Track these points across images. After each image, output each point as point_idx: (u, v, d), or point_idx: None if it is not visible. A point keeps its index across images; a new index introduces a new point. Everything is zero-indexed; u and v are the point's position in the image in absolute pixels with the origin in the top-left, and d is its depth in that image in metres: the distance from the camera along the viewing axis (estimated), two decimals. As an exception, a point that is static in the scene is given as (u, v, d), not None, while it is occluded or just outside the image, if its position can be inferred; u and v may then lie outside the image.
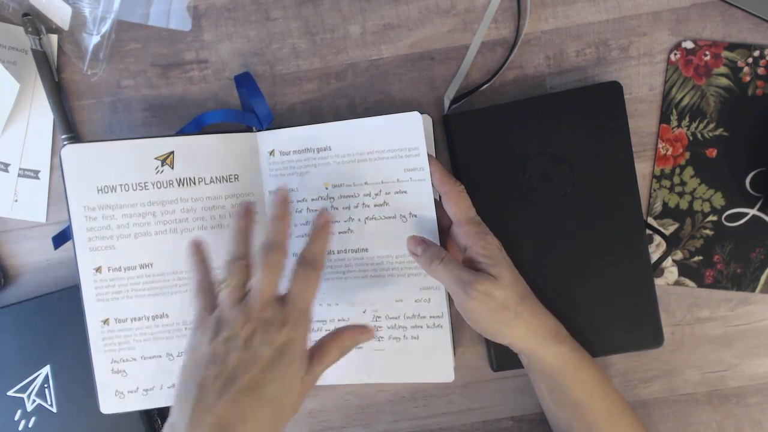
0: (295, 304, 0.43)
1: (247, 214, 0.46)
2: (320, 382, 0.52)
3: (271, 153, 0.52)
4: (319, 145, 0.51)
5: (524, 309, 0.47)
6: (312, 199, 0.51)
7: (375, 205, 0.51)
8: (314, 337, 0.49)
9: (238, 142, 0.52)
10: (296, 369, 0.42)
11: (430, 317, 0.51)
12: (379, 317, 0.52)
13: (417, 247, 0.49)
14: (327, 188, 0.51)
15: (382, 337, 0.52)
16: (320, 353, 0.45)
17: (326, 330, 0.52)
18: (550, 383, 0.48)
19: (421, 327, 0.51)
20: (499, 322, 0.47)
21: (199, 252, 0.47)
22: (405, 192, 0.50)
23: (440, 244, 0.50)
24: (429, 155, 0.49)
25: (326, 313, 0.52)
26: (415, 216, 0.50)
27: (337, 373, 0.52)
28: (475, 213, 0.49)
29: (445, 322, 0.51)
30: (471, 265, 0.47)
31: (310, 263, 0.44)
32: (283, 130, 0.52)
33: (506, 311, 0.46)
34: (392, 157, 0.50)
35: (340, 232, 0.51)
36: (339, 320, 0.52)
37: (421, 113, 0.50)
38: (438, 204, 0.50)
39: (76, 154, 0.49)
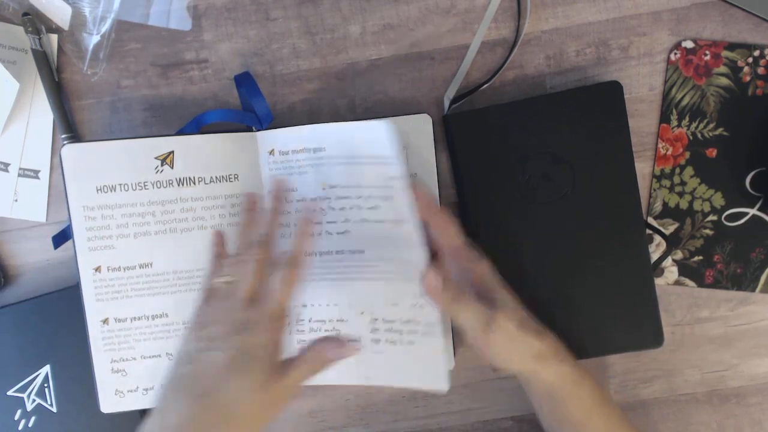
0: (263, 306, 0.43)
1: (251, 206, 0.48)
2: (320, 381, 0.52)
3: (271, 152, 0.52)
4: (315, 145, 0.51)
5: (529, 332, 0.46)
6: (311, 199, 0.51)
7: (368, 208, 0.51)
8: (311, 337, 0.50)
9: (237, 141, 0.52)
10: (252, 379, 0.41)
11: (425, 324, 0.50)
12: (376, 319, 0.52)
13: (436, 284, 0.46)
14: (324, 188, 0.51)
15: (378, 340, 0.52)
16: (291, 366, 0.43)
17: (325, 330, 0.52)
18: (551, 403, 0.48)
19: (416, 332, 0.51)
20: (512, 352, 0.46)
21: (217, 244, 0.49)
22: (392, 197, 0.49)
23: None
24: (414, 183, 0.48)
25: (325, 313, 0.52)
26: (403, 222, 0.49)
27: (336, 374, 0.52)
28: (464, 238, 0.47)
29: (438, 330, 0.50)
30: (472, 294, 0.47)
31: (287, 263, 0.45)
32: (283, 129, 0.52)
33: (516, 340, 0.45)
34: (377, 163, 0.50)
35: (338, 233, 0.51)
36: (338, 320, 0.52)
37: (421, 113, 0.51)
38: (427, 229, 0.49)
39: (75, 153, 0.49)
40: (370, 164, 0.50)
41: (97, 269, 0.50)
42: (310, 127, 0.51)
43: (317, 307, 0.52)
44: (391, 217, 0.50)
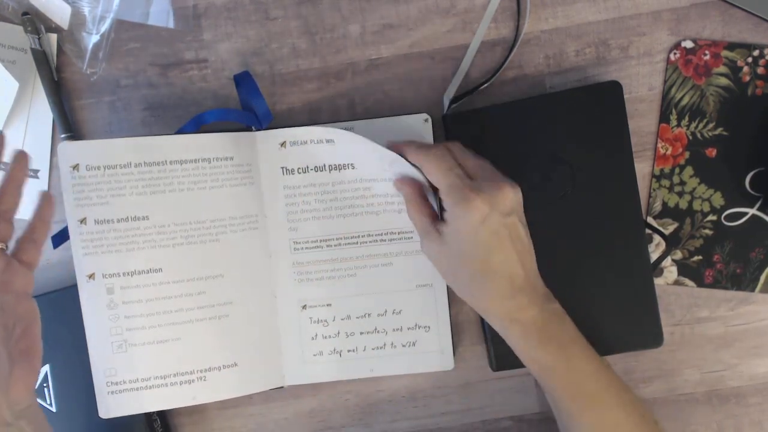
0: None
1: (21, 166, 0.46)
2: (323, 379, 0.53)
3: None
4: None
5: (472, 285, 0.47)
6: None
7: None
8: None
9: (237, 141, 0.52)
10: None
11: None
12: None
13: (401, 188, 0.49)
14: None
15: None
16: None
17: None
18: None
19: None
20: (447, 281, 0.50)
21: None
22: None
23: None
24: (403, 144, 0.49)
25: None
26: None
27: (339, 370, 0.53)
28: (454, 177, 0.45)
29: (442, 326, 0.52)
30: None
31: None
32: (283, 129, 0.52)
33: (452, 277, 0.48)
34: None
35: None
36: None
37: (420, 112, 0.51)
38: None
39: (73, 151, 0.49)
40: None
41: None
42: (313, 128, 0.52)
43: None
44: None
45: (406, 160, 0.48)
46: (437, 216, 0.48)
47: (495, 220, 0.44)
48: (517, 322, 0.45)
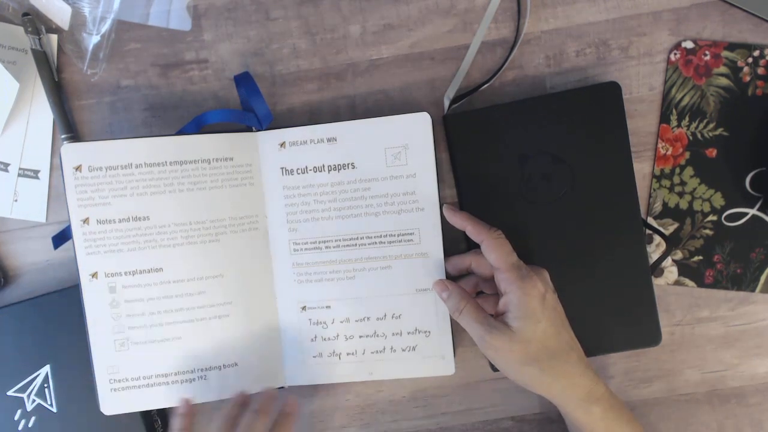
0: None
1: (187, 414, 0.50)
2: (323, 381, 0.53)
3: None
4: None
5: (550, 367, 0.45)
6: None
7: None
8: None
9: (237, 141, 0.52)
10: None
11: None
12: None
13: (442, 293, 0.50)
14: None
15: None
16: None
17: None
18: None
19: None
20: (519, 374, 0.46)
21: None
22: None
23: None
24: (460, 212, 0.50)
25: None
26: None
27: (338, 372, 0.53)
28: (516, 258, 0.47)
29: (443, 331, 0.52)
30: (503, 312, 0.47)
31: None
32: (283, 129, 0.52)
33: (527, 366, 0.45)
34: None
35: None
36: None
37: (420, 112, 0.51)
38: (478, 252, 0.49)
39: (75, 153, 0.49)
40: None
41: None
42: (314, 127, 0.52)
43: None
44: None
45: (457, 227, 0.50)
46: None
47: (551, 296, 0.47)
48: (597, 401, 0.46)
